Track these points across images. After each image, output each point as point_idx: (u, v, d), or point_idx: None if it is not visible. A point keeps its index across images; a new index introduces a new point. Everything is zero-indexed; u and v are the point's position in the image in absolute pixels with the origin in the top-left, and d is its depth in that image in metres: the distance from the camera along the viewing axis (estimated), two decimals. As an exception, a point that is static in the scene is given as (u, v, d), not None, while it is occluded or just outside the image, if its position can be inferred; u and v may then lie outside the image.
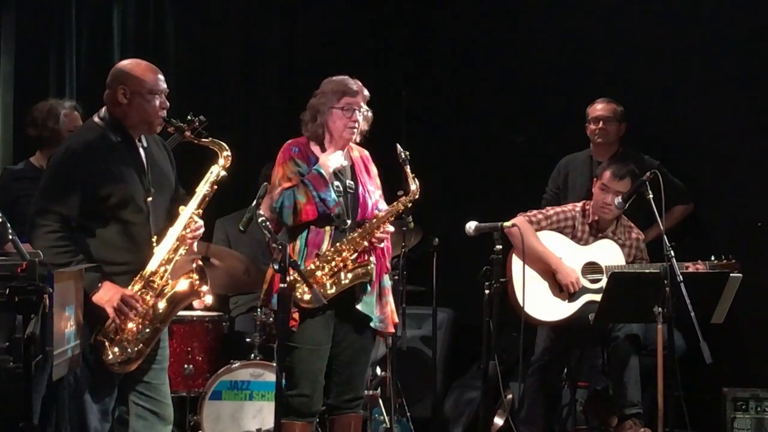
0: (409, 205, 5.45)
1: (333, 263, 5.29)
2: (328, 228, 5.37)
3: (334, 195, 5.30)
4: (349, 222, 5.39)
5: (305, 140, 5.51)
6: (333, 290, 5.27)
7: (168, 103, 4.90)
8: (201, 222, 4.91)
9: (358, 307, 5.38)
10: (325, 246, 5.33)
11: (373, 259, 5.40)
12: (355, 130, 5.42)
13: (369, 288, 5.38)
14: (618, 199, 6.36)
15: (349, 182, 5.45)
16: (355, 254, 5.34)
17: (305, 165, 5.39)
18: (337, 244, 5.33)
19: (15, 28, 7.22)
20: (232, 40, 8.30)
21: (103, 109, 4.88)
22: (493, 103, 8.23)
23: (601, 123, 7.12)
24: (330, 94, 5.42)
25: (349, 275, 5.32)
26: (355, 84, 5.44)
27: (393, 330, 5.61)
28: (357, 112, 5.39)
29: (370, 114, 5.50)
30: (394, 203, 5.46)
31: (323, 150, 5.46)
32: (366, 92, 5.44)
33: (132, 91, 4.80)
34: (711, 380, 6.52)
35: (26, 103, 6.43)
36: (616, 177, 6.43)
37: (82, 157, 4.72)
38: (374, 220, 5.38)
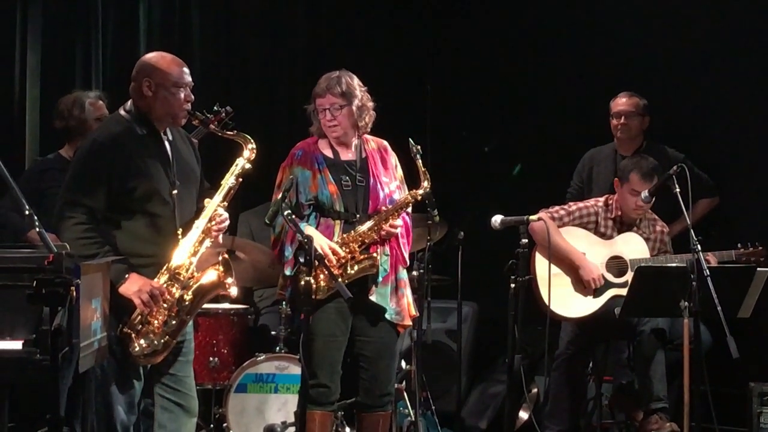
0: (419, 198, 5.44)
1: (341, 253, 5.30)
2: (337, 221, 5.40)
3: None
4: (358, 215, 5.40)
5: (315, 139, 5.55)
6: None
7: (193, 96, 4.91)
8: (226, 215, 4.93)
9: (372, 298, 5.40)
10: (335, 238, 5.35)
11: (385, 249, 5.41)
12: (337, 128, 5.44)
13: (381, 279, 5.40)
14: (644, 193, 6.33)
15: (359, 176, 5.45)
16: (363, 247, 5.36)
17: (307, 170, 5.41)
18: (345, 236, 5.36)
19: (41, 21, 7.25)
20: (256, 32, 8.30)
21: (129, 102, 4.90)
22: (519, 96, 8.21)
23: (623, 118, 7.08)
24: (312, 98, 5.51)
25: (356, 267, 5.34)
26: (324, 83, 5.46)
27: (410, 323, 5.60)
28: (327, 111, 5.42)
29: (370, 104, 5.50)
30: (404, 196, 5.45)
31: (332, 145, 5.49)
32: (338, 88, 5.41)
33: (157, 84, 4.82)
34: (737, 375, 6.48)
35: (53, 96, 6.46)
36: (645, 179, 6.38)
37: (108, 149, 4.74)
38: (383, 212, 5.38)
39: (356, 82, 5.50)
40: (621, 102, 7.12)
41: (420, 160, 5.45)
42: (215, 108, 4.98)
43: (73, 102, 6.18)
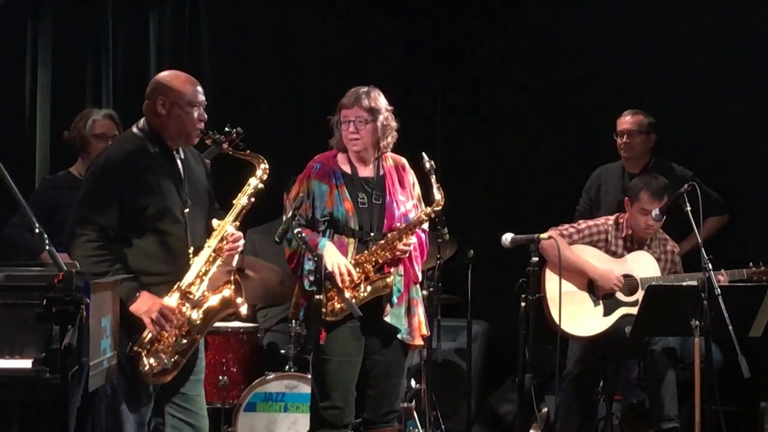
0: (433, 215, 5.42)
1: (354, 275, 5.29)
2: (351, 239, 5.38)
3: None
4: (373, 234, 5.39)
5: (334, 153, 5.53)
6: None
7: (206, 116, 4.91)
8: (239, 234, 4.92)
9: (386, 319, 5.36)
10: (348, 257, 5.33)
11: (399, 269, 5.39)
12: (358, 142, 5.42)
13: (396, 299, 5.37)
14: (655, 212, 6.32)
15: (376, 193, 5.44)
16: (377, 266, 5.34)
17: (324, 184, 5.40)
18: (358, 256, 5.33)
19: (52, 39, 7.29)
20: (266, 51, 8.31)
21: (142, 120, 4.90)
22: (528, 115, 8.21)
23: (625, 137, 7.08)
24: (338, 109, 5.47)
25: (369, 288, 5.31)
26: (353, 95, 5.45)
27: (421, 342, 5.57)
28: (352, 123, 5.40)
29: (393, 124, 5.49)
30: (418, 214, 5.44)
31: (350, 161, 5.47)
32: (367, 102, 5.41)
33: (171, 103, 4.83)
34: (748, 394, 6.46)
35: (63, 113, 6.50)
36: (655, 198, 6.38)
37: (120, 167, 4.75)
38: (396, 231, 5.37)
39: (383, 100, 5.49)
40: (625, 120, 7.12)
41: (434, 175, 5.43)
42: (226, 129, 4.98)
43: (81, 116, 6.23)
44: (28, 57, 7.26)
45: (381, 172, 5.51)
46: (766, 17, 7.16)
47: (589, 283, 6.42)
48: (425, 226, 5.51)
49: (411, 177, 5.60)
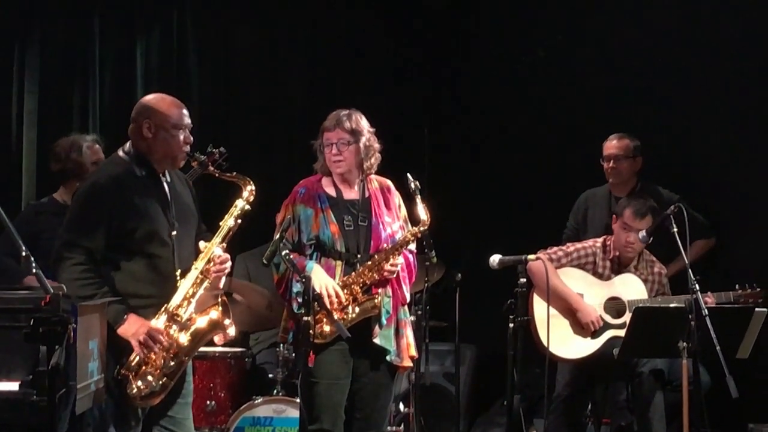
0: (419, 235, 5.42)
1: (342, 296, 5.29)
2: (338, 262, 5.37)
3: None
4: (360, 255, 5.38)
5: (318, 177, 5.54)
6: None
7: (192, 138, 4.91)
8: (226, 256, 4.91)
9: (376, 340, 5.35)
10: (336, 279, 5.32)
11: (387, 290, 5.38)
12: (341, 163, 5.43)
13: (385, 321, 5.36)
14: (642, 233, 6.34)
15: (361, 215, 5.45)
16: (365, 287, 5.33)
17: (309, 208, 5.40)
18: (345, 278, 5.33)
19: (39, 64, 7.29)
20: (254, 74, 8.33)
21: (128, 144, 4.90)
22: (516, 138, 8.24)
23: (612, 161, 7.10)
24: (320, 132, 5.49)
25: (357, 309, 5.30)
26: (334, 118, 5.46)
27: (410, 364, 5.56)
28: (334, 146, 5.41)
29: (376, 146, 5.50)
30: (404, 234, 5.43)
31: (335, 184, 5.49)
32: (348, 124, 5.41)
33: (157, 126, 4.83)
34: (736, 416, 6.46)
35: (50, 139, 6.48)
36: (638, 216, 6.41)
37: (107, 191, 4.74)
38: (383, 252, 5.37)
39: (365, 122, 5.50)
40: (611, 145, 7.14)
41: (419, 196, 5.44)
42: (209, 149, 4.99)
43: (70, 145, 6.19)
44: (14, 82, 7.26)
45: (366, 194, 5.52)
46: (752, 42, 7.20)
47: (577, 307, 6.44)
48: (413, 247, 5.51)
49: (397, 199, 5.60)
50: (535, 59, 8.21)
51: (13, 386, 3.83)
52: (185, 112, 4.91)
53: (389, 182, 5.63)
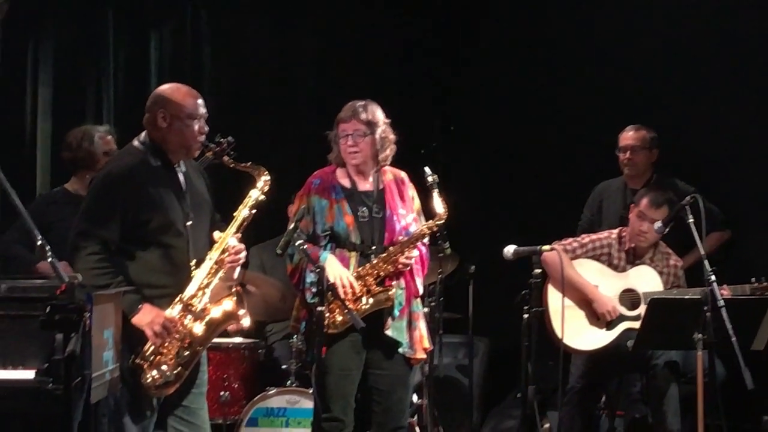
0: (435, 229, 5.42)
1: (356, 287, 5.28)
2: (353, 253, 5.38)
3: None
4: (374, 247, 5.38)
5: (333, 168, 5.54)
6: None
7: (207, 128, 4.91)
8: (241, 246, 4.91)
9: (388, 332, 5.35)
10: (350, 270, 5.33)
11: (400, 282, 5.39)
12: (357, 155, 5.43)
13: (398, 313, 5.36)
14: (658, 224, 6.31)
15: (376, 207, 5.44)
16: (379, 279, 5.33)
17: (324, 199, 5.41)
18: (360, 269, 5.33)
19: (53, 55, 7.29)
20: (267, 66, 8.32)
21: (143, 134, 4.90)
22: (530, 130, 8.22)
23: (628, 153, 7.08)
24: (335, 123, 5.49)
25: (371, 300, 5.30)
26: (350, 109, 5.46)
27: (424, 356, 5.56)
28: (350, 137, 5.41)
29: (392, 137, 5.49)
30: (420, 228, 5.43)
31: (350, 175, 5.48)
32: (364, 115, 5.42)
33: (172, 116, 4.83)
34: (751, 409, 6.44)
35: (64, 130, 6.48)
36: (654, 205, 6.39)
37: (122, 181, 4.75)
38: (398, 245, 5.37)
39: (381, 113, 5.49)
40: (627, 136, 7.12)
41: (436, 189, 5.44)
42: (217, 138, 4.98)
43: (82, 135, 6.21)
44: (29, 74, 7.26)
45: (381, 186, 5.52)
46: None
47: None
48: (425, 240, 5.51)
49: (411, 191, 5.60)
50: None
51: (28, 374, 3.83)
52: (200, 101, 4.91)
53: (403, 174, 5.62)
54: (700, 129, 7.48)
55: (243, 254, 4.93)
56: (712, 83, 7.42)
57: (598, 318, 6.36)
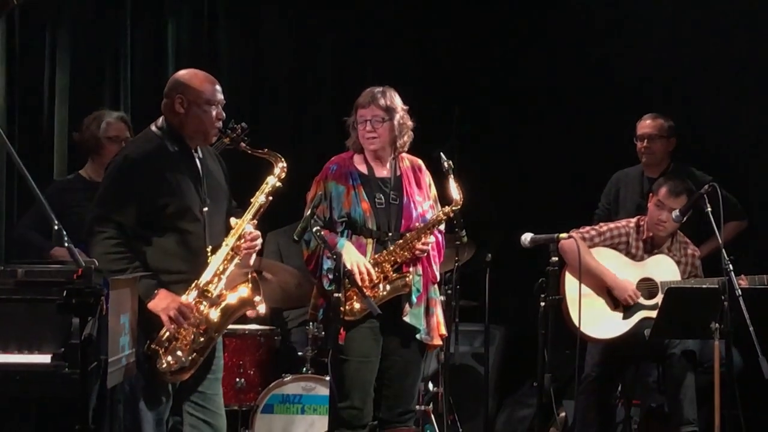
0: (451, 215, 5.43)
1: (373, 274, 5.28)
2: (369, 239, 5.38)
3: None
4: (391, 234, 5.38)
5: (350, 154, 5.54)
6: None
7: (224, 114, 4.91)
8: (257, 233, 4.91)
9: (406, 319, 5.36)
10: (367, 257, 5.33)
11: (417, 269, 5.39)
12: (375, 140, 5.43)
13: (415, 299, 5.37)
14: (676, 212, 6.29)
15: (393, 194, 5.44)
16: (396, 266, 5.33)
17: (341, 185, 5.41)
18: (377, 256, 5.34)
19: (70, 42, 7.28)
20: (284, 53, 8.31)
21: (161, 119, 4.90)
22: (547, 119, 8.20)
23: (645, 141, 7.06)
24: (354, 109, 5.49)
25: (388, 287, 5.31)
26: (368, 95, 5.47)
27: (440, 342, 5.57)
28: (368, 122, 5.41)
29: (409, 123, 5.50)
30: (436, 214, 5.43)
31: (367, 161, 5.48)
32: (383, 101, 5.43)
33: (189, 101, 4.82)
34: (768, 398, 6.42)
35: (81, 117, 6.48)
36: (672, 194, 6.37)
37: (140, 166, 4.74)
38: (414, 231, 5.36)
39: (399, 99, 5.51)
40: (645, 124, 7.09)
41: (452, 176, 5.44)
42: (231, 124, 4.97)
43: (93, 118, 6.23)
44: (46, 61, 7.26)
45: (398, 173, 5.52)
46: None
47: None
48: (441, 227, 5.51)
49: (427, 178, 5.60)
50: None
51: (45, 359, 3.84)
52: (218, 88, 4.91)
53: (420, 161, 5.63)
54: (717, 118, 7.46)
55: (259, 241, 4.93)
56: (730, 72, 7.39)
57: (615, 306, 6.35)
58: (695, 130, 7.31)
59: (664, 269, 6.40)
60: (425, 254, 5.39)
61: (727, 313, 5.54)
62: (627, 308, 6.33)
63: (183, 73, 4.95)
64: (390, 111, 5.43)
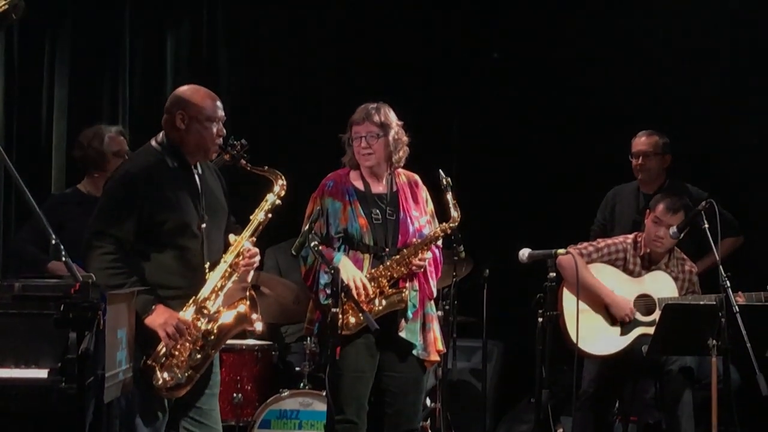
0: (449, 231, 5.43)
1: (369, 288, 5.28)
2: (366, 255, 5.39)
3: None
4: (387, 249, 5.39)
5: (346, 170, 5.56)
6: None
7: (225, 131, 4.91)
8: (256, 250, 4.91)
9: (401, 334, 5.37)
10: (363, 272, 5.33)
11: (414, 284, 5.39)
12: (371, 156, 5.45)
13: (411, 315, 5.37)
14: (673, 229, 6.29)
15: (389, 209, 5.45)
16: (392, 281, 5.34)
17: (338, 201, 5.42)
18: (373, 270, 5.34)
19: (69, 55, 7.31)
20: (284, 67, 8.32)
21: (161, 134, 4.90)
22: (544, 134, 8.21)
23: (641, 158, 7.08)
24: (349, 126, 5.51)
25: (384, 302, 5.32)
26: (363, 111, 5.49)
27: (438, 358, 5.58)
28: (363, 139, 5.43)
29: (405, 139, 5.51)
30: (434, 230, 5.44)
31: (363, 177, 5.49)
32: (377, 117, 5.45)
33: (190, 117, 4.82)
34: (766, 415, 6.40)
35: (79, 130, 6.48)
36: (670, 210, 6.37)
37: (139, 181, 4.74)
38: (411, 247, 5.36)
39: (393, 115, 5.53)
40: (640, 141, 7.12)
41: (450, 192, 5.44)
42: (230, 141, 4.97)
43: (93, 134, 6.22)
44: (45, 73, 7.28)
45: (394, 188, 5.53)
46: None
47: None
48: (439, 242, 5.51)
49: (424, 193, 5.62)
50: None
51: (42, 373, 3.84)
52: (219, 104, 4.91)
53: (417, 176, 5.64)
54: (712, 134, 7.47)
55: (257, 258, 4.93)
56: (724, 88, 7.41)
57: (613, 322, 6.35)
58: (690, 146, 7.32)
59: (661, 285, 6.40)
60: (422, 270, 5.40)
61: (725, 329, 5.54)
62: (624, 324, 6.33)
63: (184, 89, 4.95)
64: (385, 127, 5.44)
